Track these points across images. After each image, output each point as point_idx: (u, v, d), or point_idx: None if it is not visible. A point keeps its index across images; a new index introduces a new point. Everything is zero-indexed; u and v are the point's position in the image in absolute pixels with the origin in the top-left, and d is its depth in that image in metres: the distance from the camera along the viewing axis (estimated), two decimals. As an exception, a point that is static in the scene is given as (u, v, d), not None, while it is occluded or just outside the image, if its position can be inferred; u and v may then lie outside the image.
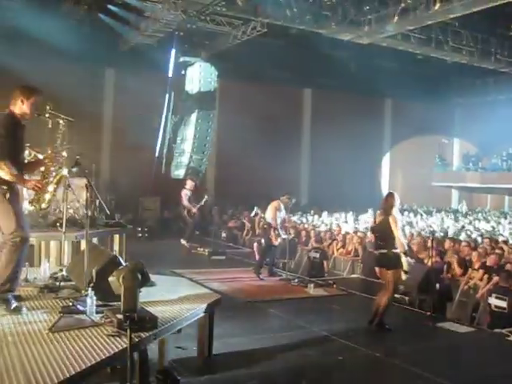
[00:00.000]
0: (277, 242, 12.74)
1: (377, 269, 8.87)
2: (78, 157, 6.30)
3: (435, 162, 33.43)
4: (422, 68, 24.92)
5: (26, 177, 6.01)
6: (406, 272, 8.72)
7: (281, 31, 20.26)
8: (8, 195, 5.57)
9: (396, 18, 17.48)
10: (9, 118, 5.68)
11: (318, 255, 14.03)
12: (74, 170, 6.47)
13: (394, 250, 8.35)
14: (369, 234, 14.18)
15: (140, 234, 18.59)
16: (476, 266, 11.46)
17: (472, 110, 31.18)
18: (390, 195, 8.76)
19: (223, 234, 19.77)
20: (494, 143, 30.51)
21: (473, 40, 20.91)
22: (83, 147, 7.55)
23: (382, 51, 21.76)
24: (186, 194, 16.40)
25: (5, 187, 5.54)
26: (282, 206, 12.85)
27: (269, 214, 12.91)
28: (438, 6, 16.29)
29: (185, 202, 16.37)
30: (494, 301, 9.44)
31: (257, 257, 14.12)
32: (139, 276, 4.99)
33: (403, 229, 13.93)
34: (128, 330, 4.25)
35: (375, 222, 8.89)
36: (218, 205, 23.30)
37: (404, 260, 8.49)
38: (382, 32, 18.80)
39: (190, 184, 16.64)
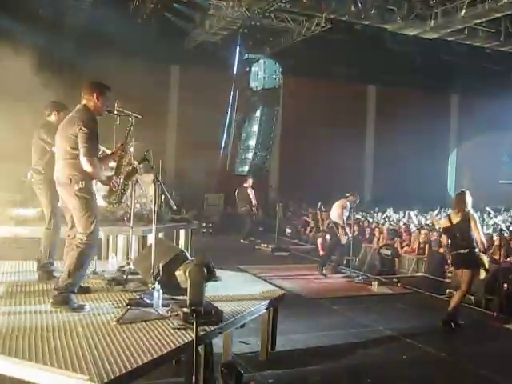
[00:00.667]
0: (344, 240, 12.72)
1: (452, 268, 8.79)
2: (145, 153, 6.41)
3: (503, 159, 32.57)
4: (490, 62, 24.28)
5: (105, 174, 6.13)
6: (487, 270, 8.60)
7: (345, 27, 20.08)
8: (91, 194, 5.64)
9: (463, 11, 17.07)
10: (89, 112, 5.69)
11: (389, 252, 13.99)
12: (142, 165, 6.58)
13: (475, 250, 8.25)
14: (436, 234, 14.03)
15: (204, 230, 18.76)
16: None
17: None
18: (463, 194, 8.65)
19: (287, 230, 19.75)
20: None
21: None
22: (149, 144, 7.69)
23: (449, 46, 21.31)
24: (252, 191, 16.88)
25: (89, 186, 5.59)
26: (349, 205, 12.84)
27: (335, 213, 12.90)
28: (507, -3, 15.84)
29: (254, 199, 16.89)
30: None
31: (321, 252, 14.13)
32: (205, 271, 5.05)
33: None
34: (194, 324, 4.31)
35: (451, 222, 8.69)
36: (282, 201, 23.33)
37: (485, 258, 8.39)
38: (448, 26, 18.39)
39: (251, 182, 17.08)
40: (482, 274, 8.58)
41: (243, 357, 6.53)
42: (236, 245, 16.56)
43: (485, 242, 8.56)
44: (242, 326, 6.37)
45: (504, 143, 32.37)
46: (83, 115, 5.65)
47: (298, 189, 23.48)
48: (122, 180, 5.98)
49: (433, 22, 18.11)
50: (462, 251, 8.42)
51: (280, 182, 25.75)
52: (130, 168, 6.08)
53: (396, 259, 14.04)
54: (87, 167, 5.49)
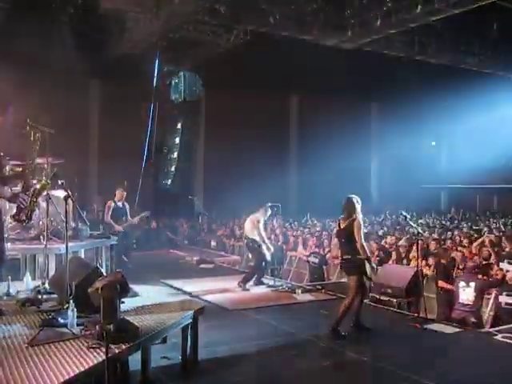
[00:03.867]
0: (269, 256, 12.16)
1: None
2: (55, 169, 6.27)
3: (424, 163, 33.53)
4: (407, 70, 24.95)
5: (8, 191, 5.98)
6: (369, 279, 8.68)
7: (264, 38, 20.24)
8: None
9: (379, 21, 17.54)
10: None
11: (316, 260, 14.04)
12: (55, 182, 6.45)
13: (358, 256, 8.29)
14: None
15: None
16: (461, 266, 11.50)
17: (459, 111, 31.19)
18: (349, 199, 8.60)
19: (212, 243, 19.70)
20: (484, 143, 30.48)
21: (455, 41, 20.98)
22: (71, 158, 7.53)
23: (367, 55, 21.78)
24: (109, 207, 13.52)
25: None
26: (262, 219, 12.11)
27: (252, 231, 12.12)
28: (419, 8, 16.37)
29: (106, 217, 13.39)
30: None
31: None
32: (118, 287, 4.97)
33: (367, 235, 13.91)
34: (105, 341, 4.23)
35: (339, 226, 8.63)
36: (207, 213, 23.26)
37: (368, 267, 8.35)
38: (365, 36, 18.83)
39: (119, 195, 13.72)
40: (367, 283, 8.73)
41: (165, 372, 6.44)
42: (161, 259, 16.43)
43: (366, 249, 8.50)
44: (165, 341, 6.30)
45: (425, 148, 33.40)
46: None
47: (222, 200, 23.48)
48: (30, 197, 5.85)
49: (350, 32, 18.53)
50: (346, 257, 8.42)
51: (205, 194, 25.72)
52: (39, 185, 5.95)
53: (324, 266, 14.14)
54: None
